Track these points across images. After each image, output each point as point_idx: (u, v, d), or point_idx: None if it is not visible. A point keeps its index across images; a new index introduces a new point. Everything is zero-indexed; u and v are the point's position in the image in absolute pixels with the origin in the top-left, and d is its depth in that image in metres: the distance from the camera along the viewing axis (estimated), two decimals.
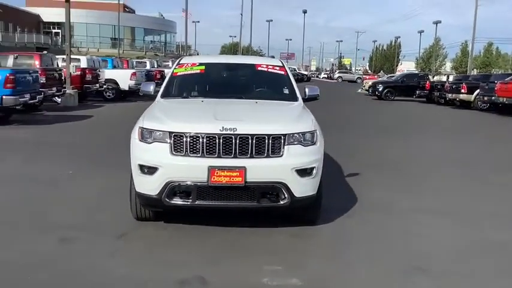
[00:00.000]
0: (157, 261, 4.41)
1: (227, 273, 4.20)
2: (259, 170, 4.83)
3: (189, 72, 6.55)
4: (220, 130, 4.82)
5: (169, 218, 5.41)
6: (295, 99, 6.17)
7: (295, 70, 61.47)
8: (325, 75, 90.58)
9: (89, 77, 20.18)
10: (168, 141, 4.86)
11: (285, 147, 4.92)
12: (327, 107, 23.30)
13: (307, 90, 6.38)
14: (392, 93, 32.36)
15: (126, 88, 22.69)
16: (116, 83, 22.62)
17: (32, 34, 57.95)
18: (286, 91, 6.40)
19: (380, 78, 46.35)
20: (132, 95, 23.46)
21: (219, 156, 4.80)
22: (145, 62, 35.26)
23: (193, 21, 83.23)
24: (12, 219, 5.42)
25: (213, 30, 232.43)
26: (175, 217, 5.42)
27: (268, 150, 4.87)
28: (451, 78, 38.18)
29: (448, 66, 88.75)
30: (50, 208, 5.87)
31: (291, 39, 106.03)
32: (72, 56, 22.83)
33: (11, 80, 12.83)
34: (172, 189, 4.85)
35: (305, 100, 6.35)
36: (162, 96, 6.16)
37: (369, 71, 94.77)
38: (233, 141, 4.81)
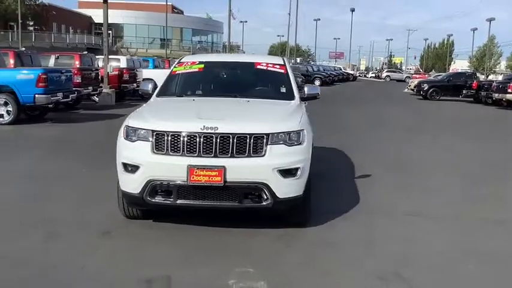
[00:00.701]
0: (131, 259, 4.43)
1: (196, 273, 4.16)
2: (239, 169, 4.75)
3: (188, 70, 6.55)
4: (201, 129, 4.78)
5: (158, 216, 5.42)
6: (292, 98, 6.05)
7: (340, 69, 60.71)
8: (373, 75, 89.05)
9: (126, 76, 20.59)
10: (150, 139, 4.86)
11: (268, 146, 4.82)
12: (364, 106, 23.07)
13: (306, 89, 6.25)
14: (438, 93, 31.38)
15: None
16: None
17: (83, 35, 59.82)
18: (283, 90, 6.29)
19: (427, 78, 45.15)
20: None
21: (199, 156, 4.76)
22: None
23: (241, 21, 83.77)
24: (4, 215, 5.56)
25: (263, 30, 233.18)
26: (165, 216, 5.42)
27: (249, 149, 4.79)
28: (500, 78, 36.69)
29: (503, 65, 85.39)
30: (46, 204, 5.99)
31: (339, 38, 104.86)
32: (112, 56, 23.46)
33: (43, 79, 13.24)
34: (154, 188, 4.85)
35: (304, 99, 6.23)
36: (158, 94, 6.18)
37: (421, 70, 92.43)
38: (213, 140, 4.75)
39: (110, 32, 70.02)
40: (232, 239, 4.95)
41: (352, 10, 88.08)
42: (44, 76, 13.28)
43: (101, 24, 70.54)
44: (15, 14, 45.41)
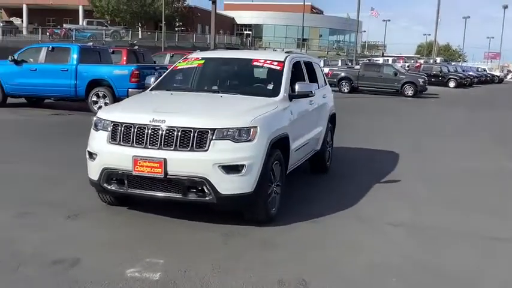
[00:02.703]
0: (67, 242, 4.67)
1: (103, 259, 4.30)
2: (180, 163, 4.83)
3: (187, 66, 6.73)
4: (150, 121, 4.94)
5: (139, 204, 5.61)
6: (276, 94, 5.90)
7: (484, 71, 56.10)
8: None
9: None
10: (109, 129, 5.14)
11: (212, 141, 4.82)
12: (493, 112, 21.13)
13: (297, 86, 6.04)
14: None
15: None
16: None
17: (224, 35, 62.84)
18: (270, 86, 6.16)
19: None
20: None
21: (145, 147, 4.92)
22: None
23: (384, 20, 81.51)
24: None
25: (412, 28, 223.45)
26: (149, 205, 5.59)
27: (193, 144, 4.84)
28: None
29: None
30: (32, 185, 6.55)
31: (493, 37, 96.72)
32: None
33: (136, 75, 14.35)
34: (109, 175, 5.12)
35: (294, 97, 6.04)
36: (151, 89, 6.44)
37: None
38: (159, 132, 4.88)
39: (250, 32, 73.07)
40: (180, 231, 5.03)
41: (505, 7, 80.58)
42: (136, 72, 14.39)
43: (243, 25, 74.00)
44: (165, 16, 49.38)
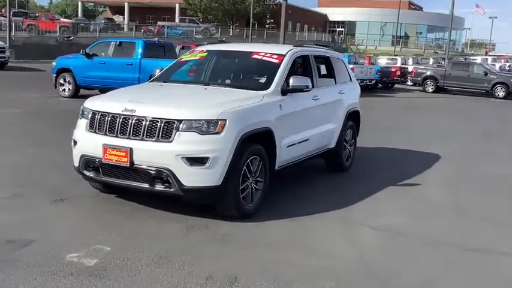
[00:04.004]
0: (34, 224, 4.84)
1: (55, 244, 4.39)
2: (145, 153, 4.86)
3: (190, 58, 6.77)
4: (122, 111, 5.02)
5: (128, 193, 5.70)
6: (266, 88, 5.73)
7: None
8: None
9: None
10: (88, 117, 5.29)
11: (177, 132, 4.80)
12: None
13: (291, 80, 5.84)
14: None
15: None
16: None
17: (314, 33, 62.43)
18: (262, 80, 6.00)
19: None
20: None
21: (116, 136, 5.01)
22: (396, 59, 34.84)
23: (490, 17, 76.63)
24: None
25: None
26: (135, 194, 5.65)
27: (158, 134, 4.85)
28: None
29: None
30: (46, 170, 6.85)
31: None
32: None
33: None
34: (86, 163, 5.28)
35: (289, 91, 5.84)
36: (151, 80, 6.53)
37: None
38: (129, 121, 4.95)
39: (343, 29, 71.87)
40: (148, 222, 5.05)
41: None
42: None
43: (335, 23, 72.97)
44: (255, 13, 50.07)
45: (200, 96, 5.56)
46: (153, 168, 4.85)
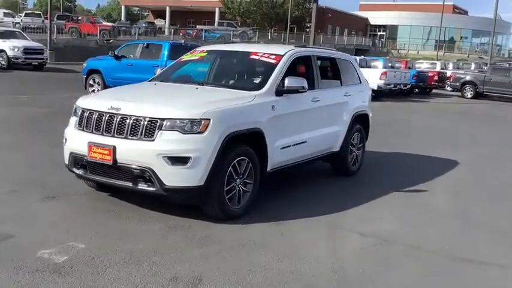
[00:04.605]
0: (18, 220, 4.85)
1: (32, 239, 4.40)
2: (128, 151, 4.84)
3: (189, 58, 6.72)
4: (108, 109, 5.03)
5: (120, 192, 5.68)
6: (259, 88, 5.62)
7: None
8: None
9: None
10: (78, 115, 5.32)
11: (159, 131, 4.77)
12: None
13: (286, 81, 5.70)
14: None
15: (375, 87, 22.39)
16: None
17: (354, 36, 61.69)
18: (257, 80, 5.89)
19: None
20: (385, 95, 23.14)
21: (102, 134, 5.01)
22: (435, 63, 34.11)
23: None
24: None
25: None
26: (127, 193, 5.62)
27: (141, 132, 4.82)
28: None
29: None
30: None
31: None
32: None
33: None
34: (74, 160, 5.30)
35: (284, 92, 5.72)
36: (150, 79, 6.52)
37: None
38: (114, 120, 4.94)
39: (384, 33, 70.76)
40: (132, 221, 5.02)
41: None
42: None
43: (376, 26, 71.89)
44: (294, 17, 50.01)
45: (188, 96, 5.51)
46: (136, 167, 4.83)
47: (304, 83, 5.79)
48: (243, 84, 5.95)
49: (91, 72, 16.56)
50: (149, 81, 6.53)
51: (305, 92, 5.87)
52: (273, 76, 5.77)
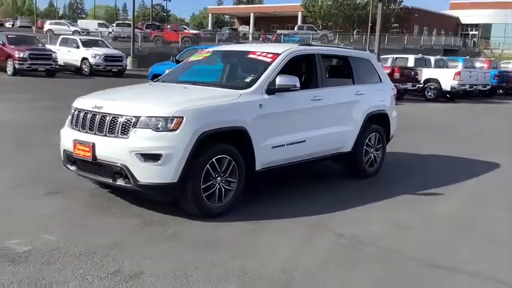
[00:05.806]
0: (5, 212, 5.16)
1: (8, 231, 4.61)
2: (105, 148, 5.00)
3: (194, 59, 6.79)
4: (92, 107, 5.23)
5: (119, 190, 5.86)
6: (249, 87, 5.57)
7: None
8: None
9: (397, 75, 20.10)
10: (71, 114, 5.59)
11: (133, 129, 4.89)
12: None
13: (277, 79, 5.60)
14: None
15: (448, 88, 21.33)
16: (438, 82, 21.57)
17: (443, 36, 59.02)
18: (248, 79, 5.81)
19: None
20: (460, 96, 21.98)
21: (86, 132, 5.22)
22: None
23: None
24: None
25: None
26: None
27: (118, 130, 4.96)
28: None
29: None
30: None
31: None
32: (401, 56, 23.28)
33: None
34: (66, 157, 5.56)
35: (275, 90, 5.62)
36: (155, 80, 6.67)
37: None
38: (96, 118, 5.14)
39: (476, 32, 67.03)
40: (112, 216, 5.14)
41: None
42: None
43: (468, 25, 68.27)
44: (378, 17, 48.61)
45: (170, 95, 5.59)
46: (113, 164, 4.97)
47: (296, 81, 5.65)
48: (234, 83, 5.95)
49: (155, 76, 17.14)
50: (154, 81, 6.70)
51: (297, 90, 5.72)
52: (265, 75, 5.70)
